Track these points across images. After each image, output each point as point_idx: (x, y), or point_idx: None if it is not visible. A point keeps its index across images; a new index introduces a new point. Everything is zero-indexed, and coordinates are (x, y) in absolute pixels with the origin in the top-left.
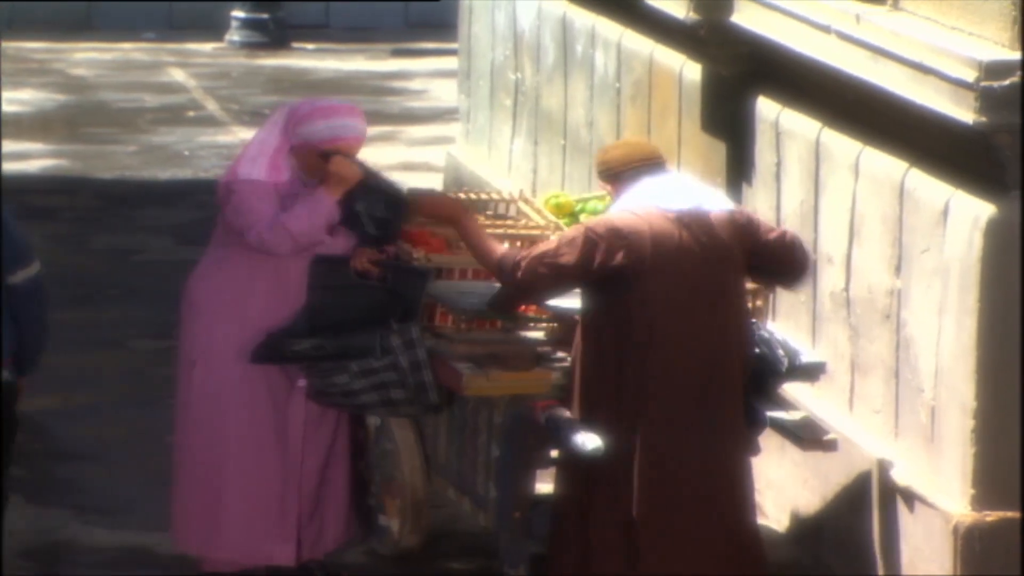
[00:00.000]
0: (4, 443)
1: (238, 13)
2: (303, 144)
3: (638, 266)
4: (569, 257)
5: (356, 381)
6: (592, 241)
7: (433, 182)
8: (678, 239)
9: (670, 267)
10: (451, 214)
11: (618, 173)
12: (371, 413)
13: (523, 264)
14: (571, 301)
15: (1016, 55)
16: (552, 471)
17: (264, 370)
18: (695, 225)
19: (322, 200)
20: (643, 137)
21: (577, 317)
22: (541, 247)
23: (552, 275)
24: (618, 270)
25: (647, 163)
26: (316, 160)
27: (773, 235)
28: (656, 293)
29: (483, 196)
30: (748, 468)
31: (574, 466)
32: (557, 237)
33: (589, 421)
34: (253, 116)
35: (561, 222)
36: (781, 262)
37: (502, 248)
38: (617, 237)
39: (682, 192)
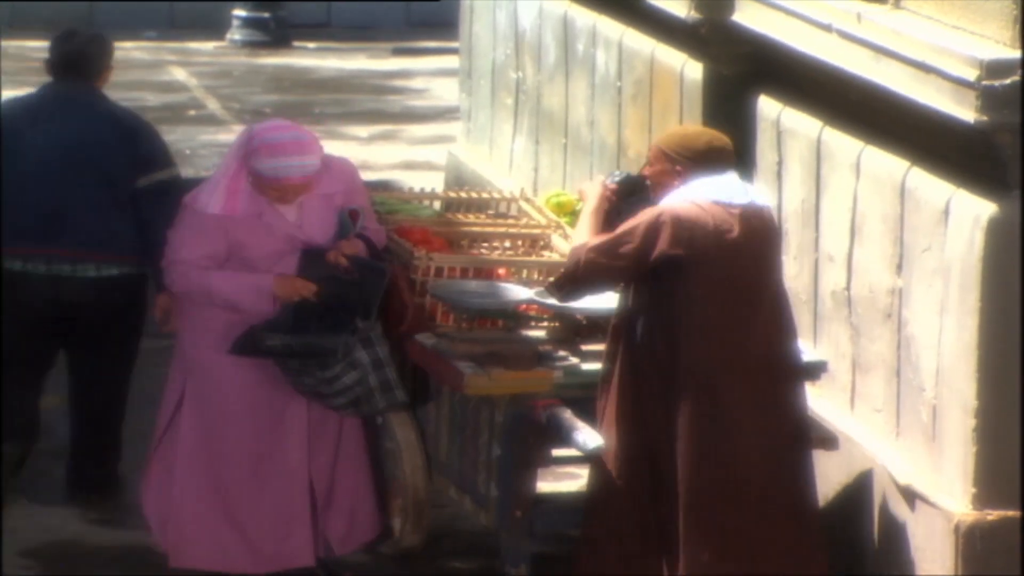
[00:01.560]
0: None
1: (239, 12)
2: (254, 173)
3: (699, 258)
4: (630, 246)
5: (323, 386)
6: (655, 229)
7: (434, 181)
8: (738, 234)
9: (729, 261)
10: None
11: (696, 163)
12: (342, 414)
13: (583, 257)
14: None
15: (1017, 54)
16: (552, 470)
17: (262, 370)
18: (752, 220)
19: (262, 287)
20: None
21: (581, 318)
22: (600, 238)
23: (611, 265)
24: (678, 260)
25: (729, 161)
26: (269, 191)
27: None
28: (714, 286)
29: (484, 195)
30: (808, 461)
31: (615, 462)
32: (614, 231)
33: (631, 415)
34: (254, 115)
35: (562, 221)
36: None
37: (585, 238)
38: (681, 227)
39: (739, 187)
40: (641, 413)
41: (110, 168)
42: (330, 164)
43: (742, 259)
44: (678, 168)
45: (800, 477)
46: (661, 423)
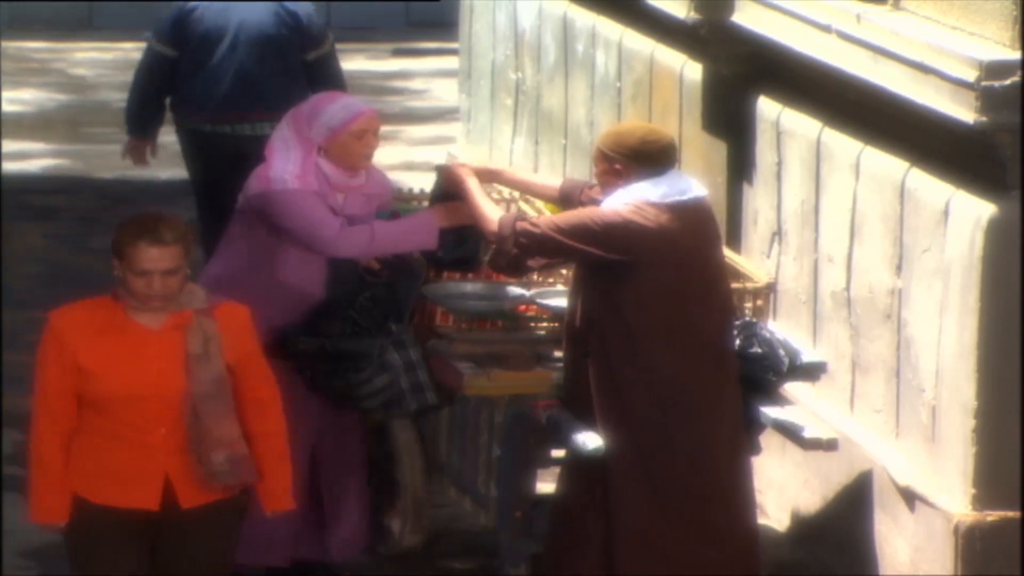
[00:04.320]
0: None
1: None
2: (329, 136)
3: (647, 261)
4: (578, 240)
5: (353, 389)
6: (610, 227)
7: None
8: (683, 232)
9: (676, 261)
10: (455, 181)
11: (633, 160)
12: (372, 415)
13: (527, 230)
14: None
15: (1016, 55)
16: (552, 470)
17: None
18: (695, 215)
19: (428, 222)
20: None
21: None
22: (550, 219)
23: (554, 248)
24: (627, 263)
25: (668, 156)
26: (352, 143)
27: None
28: (664, 287)
29: None
30: (748, 464)
31: (580, 465)
32: (566, 215)
33: (587, 418)
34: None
35: None
36: None
37: (499, 212)
38: (629, 230)
39: (678, 183)
40: (598, 415)
41: (283, 45)
42: (371, 171)
43: (688, 257)
44: (617, 167)
45: (749, 467)
46: (622, 425)
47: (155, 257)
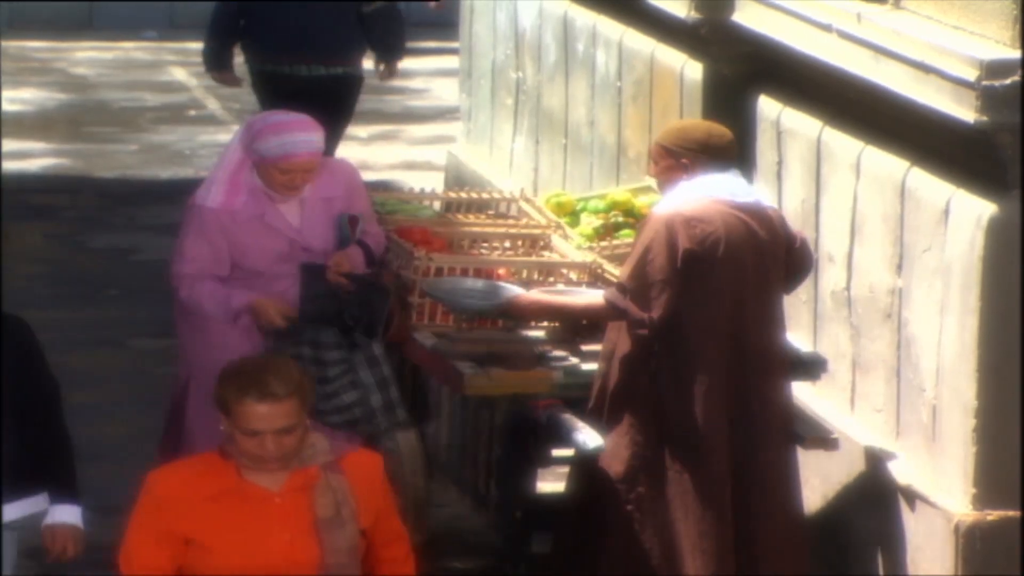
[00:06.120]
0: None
1: None
2: (259, 160)
3: (711, 254)
4: (660, 258)
5: (320, 401)
6: (672, 231)
7: (434, 181)
8: (744, 232)
9: (736, 259)
10: (549, 314)
11: (701, 154)
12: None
13: (622, 301)
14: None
15: (1017, 54)
16: (552, 470)
17: None
18: (756, 219)
19: (237, 303)
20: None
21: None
22: (632, 272)
23: (651, 283)
24: (693, 257)
25: (731, 152)
26: (277, 175)
27: (797, 238)
28: (722, 285)
29: (484, 195)
30: (795, 462)
31: (589, 464)
32: (634, 253)
33: (632, 416)
34: (254, 115)
35: (562, 221)
36: (800, 265)
37: (589, 296)
38: (692, 225)
39: (742, 185)
40: (652, 415)
41: None
42: (330, 166)
43: (748, 258)
44: (684, 161)
45: (793, 470)
46: (662, 424)
47: (265, 415)
